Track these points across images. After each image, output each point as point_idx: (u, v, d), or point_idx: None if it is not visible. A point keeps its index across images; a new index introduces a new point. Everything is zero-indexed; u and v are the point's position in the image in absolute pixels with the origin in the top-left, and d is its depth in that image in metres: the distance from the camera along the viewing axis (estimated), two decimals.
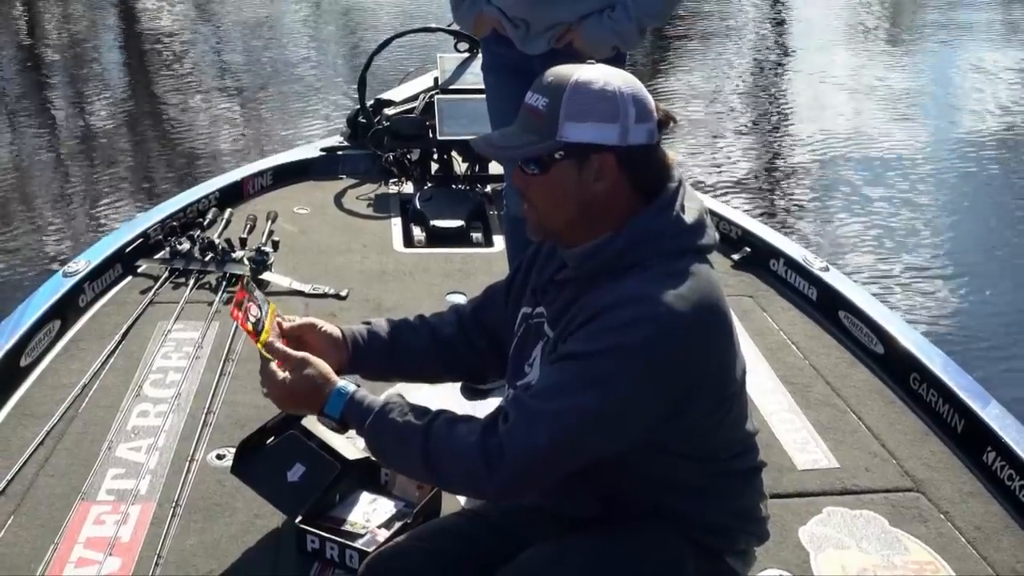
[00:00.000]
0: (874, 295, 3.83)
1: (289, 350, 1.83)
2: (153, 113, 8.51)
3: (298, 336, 1.91)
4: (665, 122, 1.76)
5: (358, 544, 2.34)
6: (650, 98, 1.75)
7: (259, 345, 1.83)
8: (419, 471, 1.75)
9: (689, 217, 1.76)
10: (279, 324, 1.89)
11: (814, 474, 2.79)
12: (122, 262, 3.82)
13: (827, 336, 3.57)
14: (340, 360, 1.92)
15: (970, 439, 2.89)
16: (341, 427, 1.79)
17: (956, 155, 7.58)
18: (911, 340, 3.32)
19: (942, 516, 2.63)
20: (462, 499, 2.59)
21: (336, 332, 1.96)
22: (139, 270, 3.85)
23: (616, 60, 3.03)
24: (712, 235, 1.80)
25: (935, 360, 3.19)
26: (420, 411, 1.74)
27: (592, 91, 1.70)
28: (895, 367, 3.28)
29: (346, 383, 1.78)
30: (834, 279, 3.76)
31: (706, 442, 1.79)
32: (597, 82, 1.71)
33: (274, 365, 1.81)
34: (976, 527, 2.59)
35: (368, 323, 2.03)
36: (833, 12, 12.49)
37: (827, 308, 3.67)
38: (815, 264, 3.87)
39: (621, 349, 1.63)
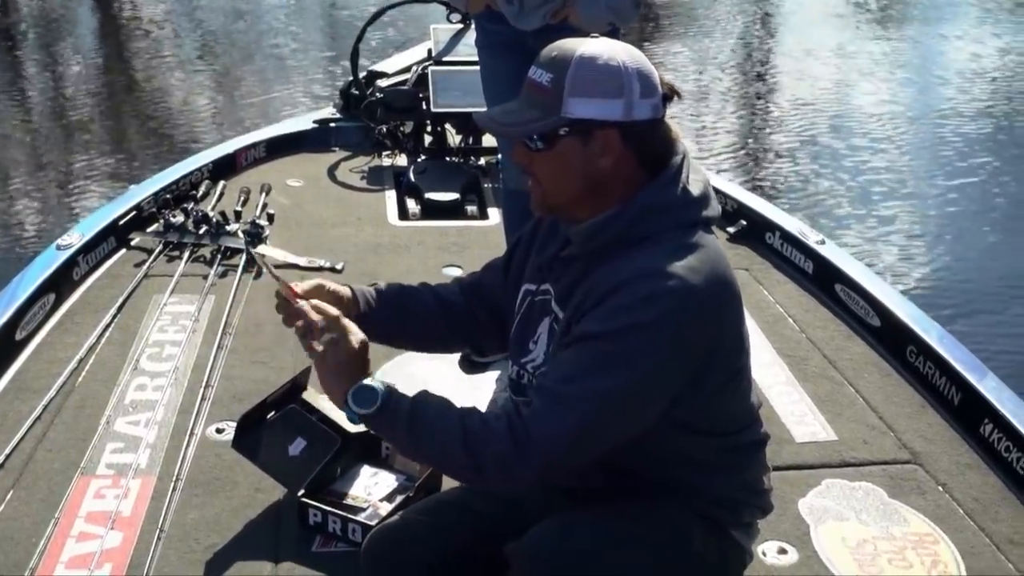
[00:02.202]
0: (870, 267, 3.82)
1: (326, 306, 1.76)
2: (133, 86, 8.47)
3: (309, 298, 1.88)
4: (669, 96, 1.75)
5: (360, 518, 2.34)
6: (655, 72, 1.74)
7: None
8: (456, 463, 1.69)
9: (695, 189, 1.76)
10: (291, 288, 1.83)
11: (812, 447, 2.80)
12: (116, 235, 3.80)
13: (823, 309, 3.58)
14: (347, 313, 1.86)
15: (967, 411, 2.90)
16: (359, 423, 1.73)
17: (949, 127, 7.60)
18: (907, 313, 3.32)
19: (940, 488, 2.65)
20: None
21: (345, 291, 1.93)
22: (132, 243, 3.83)
23: (609, 35, 3.00)
24: (717, 207, 1.81)
25: (932, 333, 3.19)
26: (448, 404, 1.72)
27: (597, 66, 1.69)
28: (891, 340, 3.29)
29: (380, 382, 1.72)
30: (830, 252, 3.77)
31: (716, 415, 1.80)
32: (601, 57, 1.70)
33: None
34: (974, 499, 2.61)
35: (375, 284, 2.01)
36: None
37: (823, 281, 3.67)
38: (811, 237, 3.87)
39: (641, 326, 1.63)
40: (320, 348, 1.72)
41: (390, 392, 1.70)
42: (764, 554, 2.36)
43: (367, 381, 1.70)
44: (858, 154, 7.03)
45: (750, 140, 7.43)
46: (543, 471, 1.67)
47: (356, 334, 1.74)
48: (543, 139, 1.72)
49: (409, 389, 2.61)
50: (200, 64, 9.00)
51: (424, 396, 1.73)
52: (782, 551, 2.39)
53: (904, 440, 2.84)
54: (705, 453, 1.82)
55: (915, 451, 2.79)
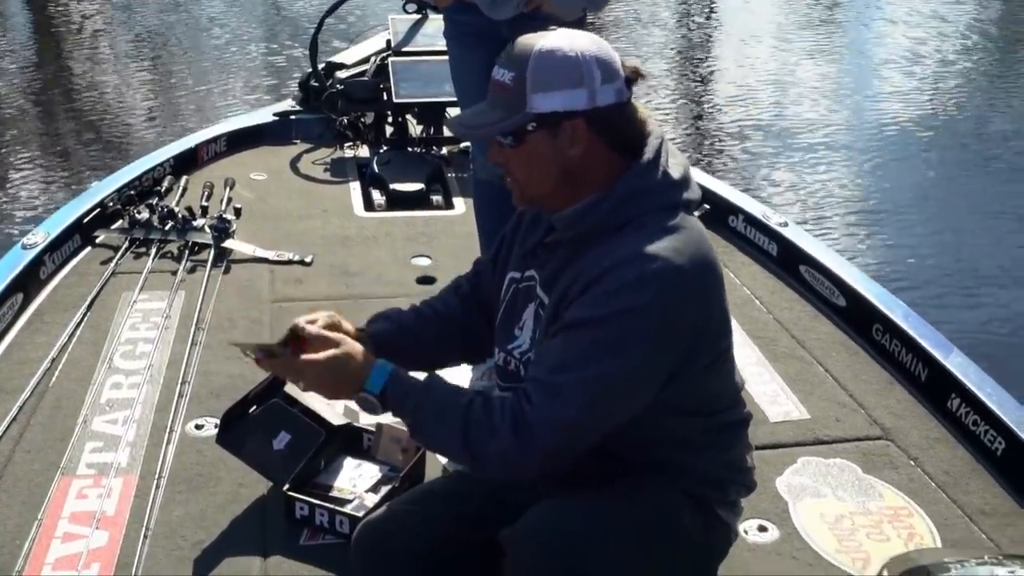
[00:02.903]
0: (833, 248, 3.89)
1: (327, 332, 1.80)
2: (69, 83, 8.34)
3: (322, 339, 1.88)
4: (633, 78, 1.77)
5: (347, 509, 2.36)
6: (616, 56, 1.76)
7: (277, 344, 1.81)
8: (457, 454, 1.77)
9: (675, 173, 1.79)
10: (302, 329, 1.81)
11: (787, 426, 2.85)
12: (80, 233, 3.77)
13: (789, 290, 3.64)
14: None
15: (934, 387, 2.97)
16: (379, 406, 1.75)
17: (896, 107, 7.73)
18: (872, 292, 3.39)
19: (912, 462, 2.71)
20: (443, 460, 2.62)
21: (348, 327, 1.93)
22: (98, 240, 3.80)
23: (578, 22, 3.02)
24: (697, 190, 1.84)
25: (897, 311, 3.26)
26: (458, 391, 1.76)
27: (556, 58, 1.72)
28: (857, 319, 3.35)
29: (386, 361, 1.77)
30: (793, 234, 3.83)
31: (703, 395, 1.83)
32: (560, 49, 1.72)
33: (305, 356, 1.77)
34: (945, 472, 2.67)
35: (382, 316, 2.04)
36: None
37: (787, 263, 3.73)
38: (774, 219, 3.93)
39: (631, 311, 1.66)
40: (319, 356, 1.76)
41: (395, 376, 1.74)
42: (746, 532, 2.40)
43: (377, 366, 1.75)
44: (812, 138, 7.12)
45: (699, 124, 7.49)
46: (545, 464, 1.71)
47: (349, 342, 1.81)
48: (513, 136, 1.75)
49: None
50: (137, 59, 8.90)
51: (431, 382, 1.76)
52: (763, 528, 2.44)
53: (874, 416, 2.90)
54: (692, 433, 1.85)
55: (885, 427, 2.86)
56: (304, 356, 1.77)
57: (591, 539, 1.74)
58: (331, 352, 1.76)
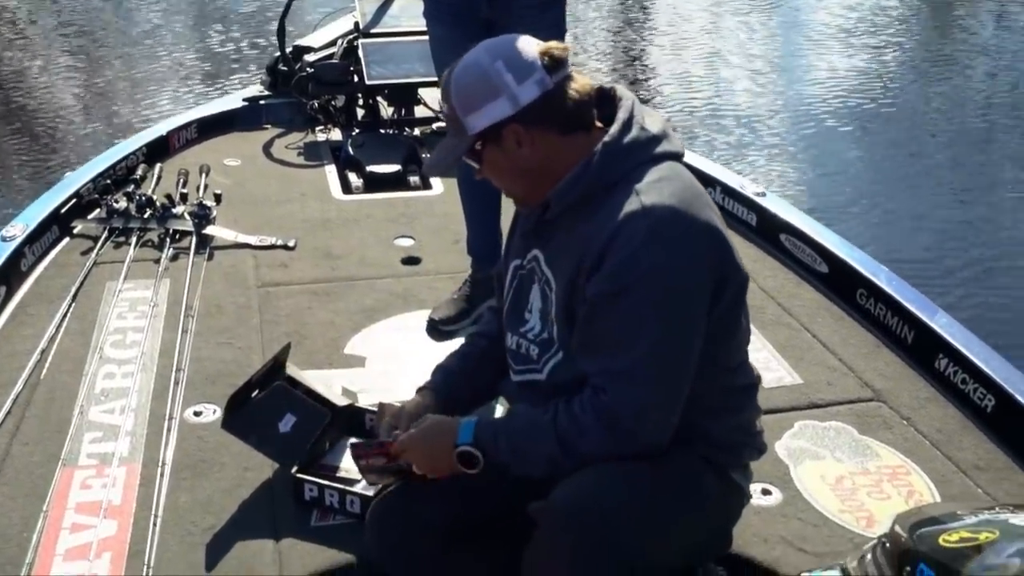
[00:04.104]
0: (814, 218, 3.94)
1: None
2: (18, 77, 8.17)
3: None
4: (552, 64, 1.79)
5: (358, 489, 2.35)
6: (525, 50, 1.79)
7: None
8: (561, 467, 1.79)
9: (653, 128, 1.84)
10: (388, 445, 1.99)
11: (780, 391, 2.89)
12: (58, 223, 3.72)
13: (770, 259, 3.68)
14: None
15: (921, 348, 3.03)
16: (479, 454, 1.84)
17: (865, 80, 7.82)
18: (854, 257, 3.44)
19: (904, 422, 2.76)
20: None
21: (424, 403, 2.08)
22: (75, 231, 3.75)
23: (557, 3, 3.03)
24: (679, 143, 1.88)
25: (879, 275, 3.31)
26: (537, 410, 1.83)
27: (466, 80, 1.80)
28: (841, 284, 3.40)
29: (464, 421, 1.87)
30: (771, 203, 3.87)
31: (720, 350, 1.86)
32: (467, 66, 1.81)
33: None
34: (937, 430, 2.73)
35: (441, 368, 2.15)
36: None
37: (767, 232, 3.77)
38: (750, 189, 3.97)
39: (652, 269, 1.69)
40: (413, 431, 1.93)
41: (480, 423, 1.85)
42: (751, 497, 2.43)
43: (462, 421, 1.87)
44: (779, 111, 7.19)
45: (672, 102, 7.53)
46: (653, 441, 1.77)
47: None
48: (472, 157, 1.85)
49: (379, 358, 2.65)
50: (94, 48, 8.74)
51: (510, 413, 1.89)
52: (766, 492, 2.48)
53: (865, 379, 2.95)
54: (710, 395, 1.87)
55: (876, 389, 2.91)
56: (403, 435, 1.93)
57: (629, 510, 1.76)
58: (422, 426, 1.91)
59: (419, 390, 2.11)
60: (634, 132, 1.81)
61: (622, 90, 1.87)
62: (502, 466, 1.83)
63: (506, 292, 1.99)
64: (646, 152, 1.80)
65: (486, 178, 1.91)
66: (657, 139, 1.82)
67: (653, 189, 1.74)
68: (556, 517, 1.74)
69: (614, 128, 1.80)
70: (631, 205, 1.72)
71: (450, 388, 2.10)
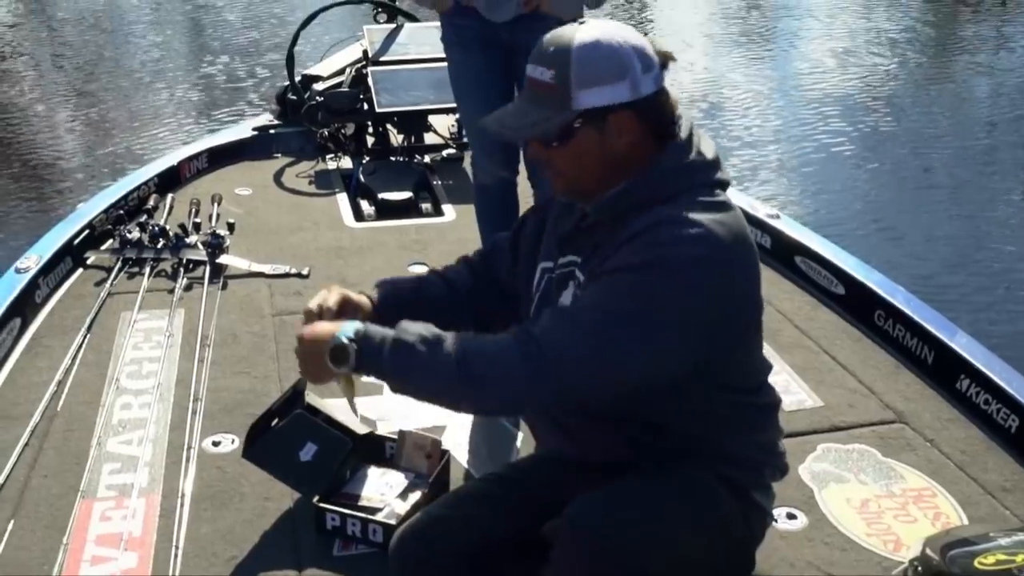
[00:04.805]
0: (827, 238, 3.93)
1: None
2: (27, 108, 8.21)
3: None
4: (665, 63, 1.78)
5: (380, 518, 2.34)
6: (648, 44, 1.76)
7: None
8: (452, 384, 1.65)
9: (708, 154, 1.82)
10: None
11: (802, 414, 2.87)
12: (71, 255, 3.72)
13: (786, 282, 3.67)
14: (366, 317, 1.89)
15: (942, 369, 3.01)
16: (353, 355, 1.67)
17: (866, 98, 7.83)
18: (870, 278, 3.43)
19: (928, 443, 2.74)
20: (466, 464, 2.62)
21: (362, 300, 1.95)
22: (89, 262, 3.75)
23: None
24: (728, 172, 1.85)
25: (897, 296, 3.30)
26: (437, 329, 1.69)
27: (597, 53, 1.71)
28: (858, 306, 3.38)
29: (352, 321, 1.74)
30: (786, 226, 3.86)
31: (738, 370, 1.85)
32: (600, 42, 1.71)
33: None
34: (961, 451, 2.70)
35: (388, 280, 2.03)
36: None
37: (782, 254, 3.76)
38: (762, 211, 3.96)
39: (666, 263, 1.65)
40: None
41: (366, 327, 1.70)
42: (775, 520, 2.41)
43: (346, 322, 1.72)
44: (790, 132, 7.20)
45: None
46: (555, 392, 1.65)
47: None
48: (559, 136, 1.74)
49: None
50: (76, 84, 8.77)
51: (406, 323, 1.70)
52: (791, 516, 2.45)
53: (886, 401, 2.93)
54: (729, 410, 1.86)
55: (899, 410, 2.89)
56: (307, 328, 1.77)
57: (642, 527, 1.74)
58: (310, 327, 1.76)
59: (360, 292, 1.97)
60: (692, 155, 1.78)
61: (678, 105, 1.86)
62: (380, 373, 1.67)
63: (533, 294, 1.96)
64: (700, 176, 1.78)
65: (535, 159, 1.81)
66: (710, 166, 1.80)
67: (700, 208, 1.72)
68: (570, 536, 1.72)
69: (674, 148, 1.78)
70: (669, 214, 1.70)
71: (386, 306, 1.95)
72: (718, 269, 1.69)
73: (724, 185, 1.82)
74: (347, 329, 1.70)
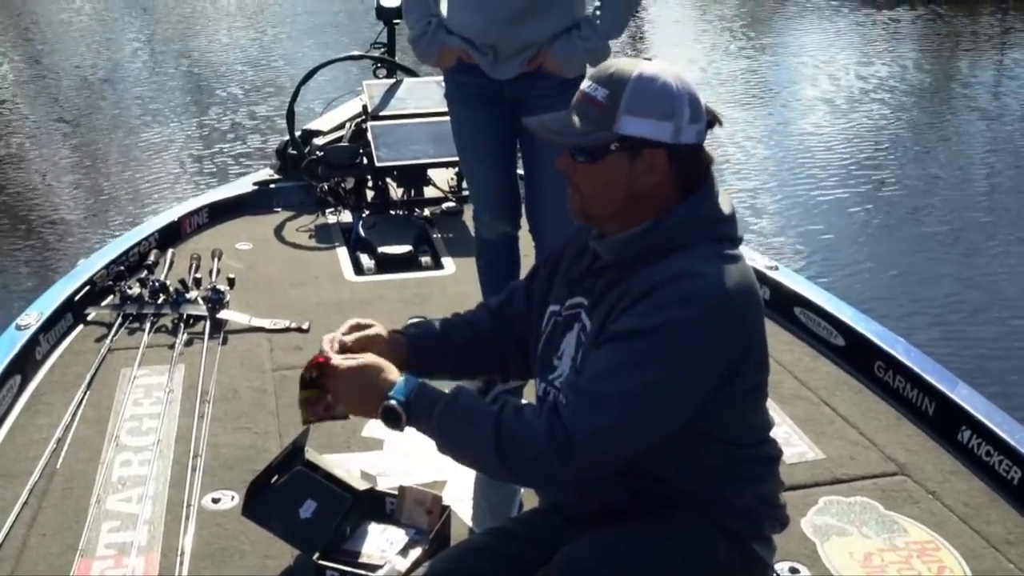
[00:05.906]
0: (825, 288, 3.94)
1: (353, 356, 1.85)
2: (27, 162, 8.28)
3: (363, 346, 1.93)
4: (711, 123, 1.81)
5: (380, 574, 2.32)
6: (701, 99, 1.80)
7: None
8: (488, 459, 1.73)
9: (725, 208, 1.83)
10: (341, 343, 1.92)
11: (803, 466, 2.86)
12: (72, 311, 3.72)
13: (785, 333, 3.67)
14: (400, 357, 1.94)
15: (943, 421, 3.01)
16: (403, 415, 1.74)
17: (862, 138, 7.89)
18: (870, 330, 3.43)
19: (930, 496, 2.73)
20: (469, 522, 2.61)
21: (383, 332, 2.01)
22: (89, 318, 3.76)
23: (577, 79, 3.06)
24: (740, 227, 1.87)
25: (897, 347, 3.30)
26: (485, 400, 1.78)
27: (654, 87, 1.75)
28: (858, 357, 3.39)
29: (413, 376, 1.79)
30: (784, 277, 3.87)
31: (740, 425, 1.85)
32: (659, 79, 1.75)
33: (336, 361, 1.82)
34: (964, 504, 2.69)
35: (417, 320, 2.08)
36: None
37: (781, 306, 3.76)
38: (760, 262, 3.97)
39: (676, 324, 1.67)
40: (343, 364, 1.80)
41: (422, 386, 1.75)
42: (777, 574, 2.40)
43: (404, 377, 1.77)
44: (785, 179, 7.25)
45: None
46: (583, 471, 1.69)
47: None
48: (592, 152, 1.78)
49: (397, 440, 2.67)
50: (74, 140, 8.85)
51: (458, 390, 1.76)
52: (794, 571, 2.44)
53: (888, 453, 2.92)
54: (728, 463, 1.86)
55: (900, 463, 2.88)
56: (342, 359, 1.81)
57: (633, 573, 1.74)
58: (361, 360, 1.80)
59: (391, 332, 2.03)
60: (708, 208, 1.81)
61: (711, 165, 1.88)
62: (426, 435, 1.76)
63: (540, 335, 1.98)
64: (714, 229, 1.79)
65: (563, 171, 1.83)
66: (725, 220, 1.82)
67: (706, 262, 1.74)
68: None
69: (694, 198, 1.80)
70: (681, 267, 1.72)
71: (419, 346, 2.01)
72: (730, 323, 1.72)
73: (737, 240, 1.84)
74: (399, 390, 1.75)
